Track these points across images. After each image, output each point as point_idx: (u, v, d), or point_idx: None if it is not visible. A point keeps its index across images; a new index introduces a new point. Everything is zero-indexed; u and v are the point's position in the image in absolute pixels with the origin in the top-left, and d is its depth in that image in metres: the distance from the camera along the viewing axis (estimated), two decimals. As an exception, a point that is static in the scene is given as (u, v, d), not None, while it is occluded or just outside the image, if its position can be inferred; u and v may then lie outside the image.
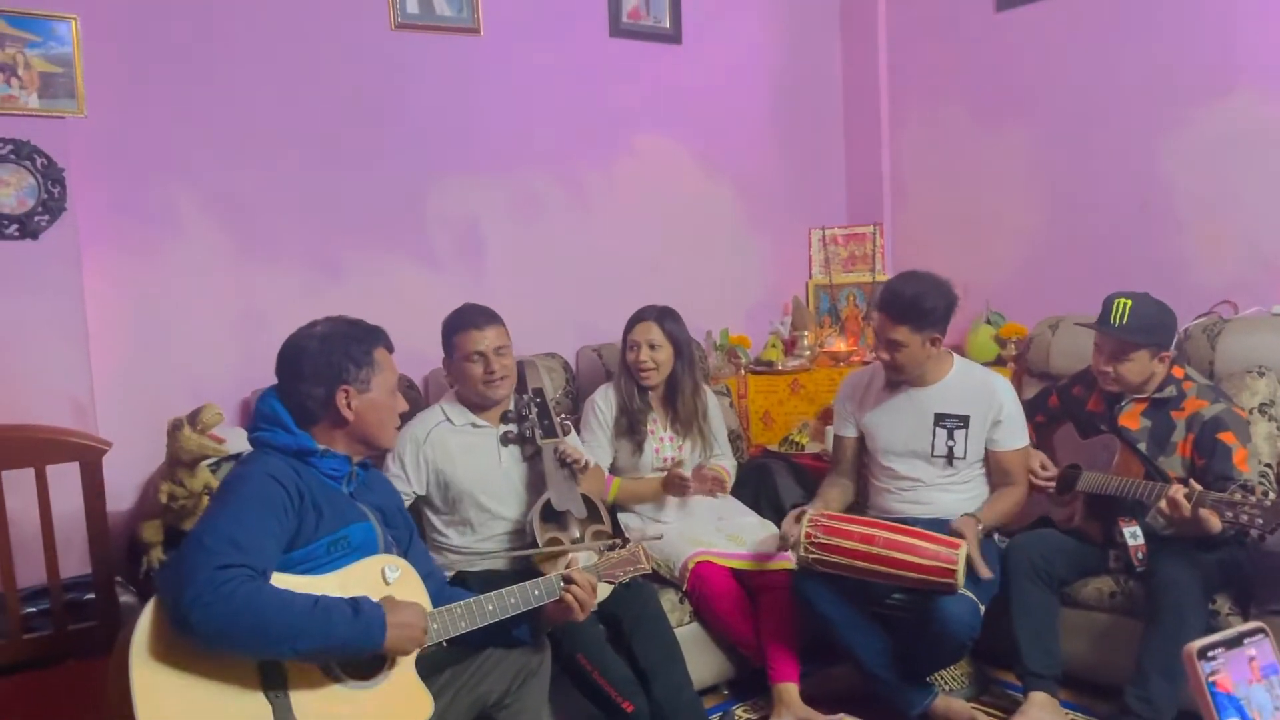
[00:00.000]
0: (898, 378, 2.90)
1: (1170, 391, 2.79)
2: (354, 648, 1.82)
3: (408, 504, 2.75)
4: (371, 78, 3.37)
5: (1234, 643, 1.14)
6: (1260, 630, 1.17)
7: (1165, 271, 3.47)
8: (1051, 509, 2.93)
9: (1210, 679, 1.10)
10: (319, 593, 1.84)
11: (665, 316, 3.15)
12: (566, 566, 2.20)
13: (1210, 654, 1.13)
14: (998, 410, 2.86)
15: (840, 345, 4.18)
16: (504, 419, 2.86)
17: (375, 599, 1.91)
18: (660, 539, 2.96)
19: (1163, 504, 2.51)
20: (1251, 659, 1.13)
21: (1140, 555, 2.65)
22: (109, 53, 2.88)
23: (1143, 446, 2.77)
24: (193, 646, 1.73)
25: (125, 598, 2.54)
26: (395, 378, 2.11)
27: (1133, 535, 2.66)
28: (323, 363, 2.01)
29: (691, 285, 4.09)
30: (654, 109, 4.02)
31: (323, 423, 2.03)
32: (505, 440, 2.83)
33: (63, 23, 2.73)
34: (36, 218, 2.71)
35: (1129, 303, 2.73)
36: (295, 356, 2.03)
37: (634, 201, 3.99)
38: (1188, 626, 2.49)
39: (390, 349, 2.12)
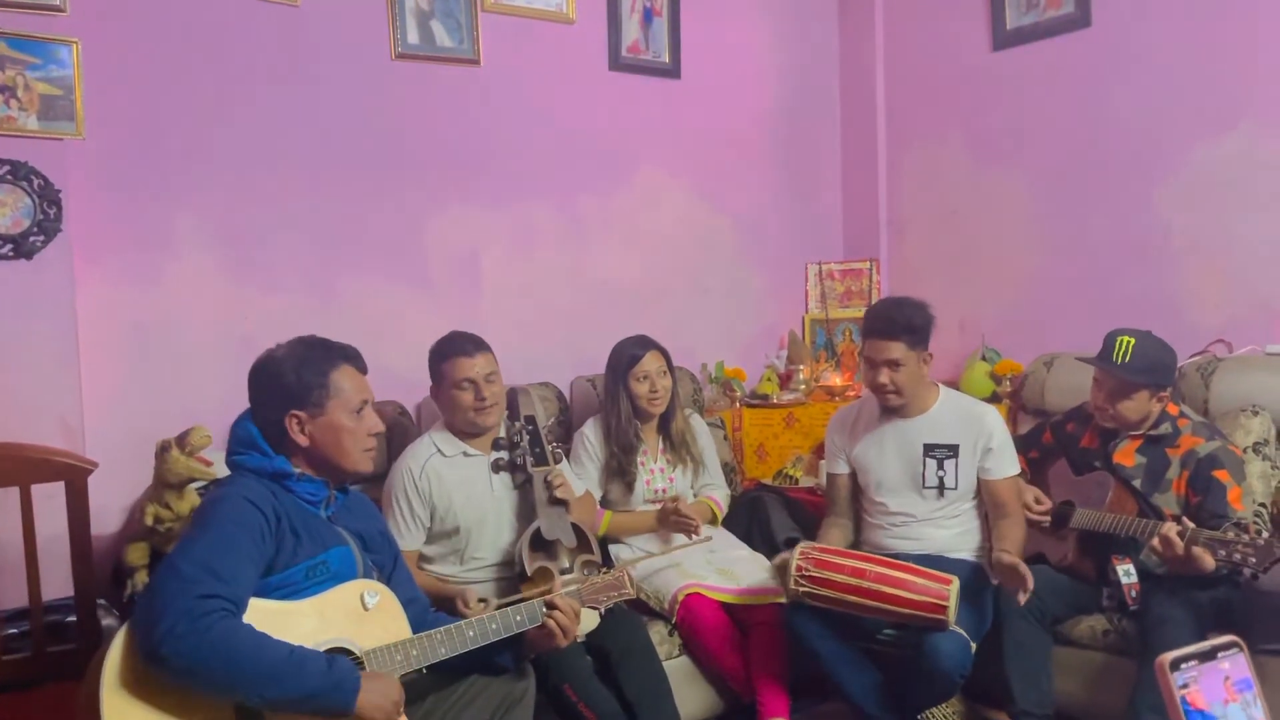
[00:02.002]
0: (896, 402, 2.87)
1: (1165, 429, 2.77)
2: (323, 703, 1.76)
3: (419, 541, 2.75)
4: (371, 107, 3.39)
5: (1208, 656, 1.12)
6: (1235, 644, 1.14)
7: (1160, 310, 3.47)
8: (1045, 546, 2.90)
9: (1182, 692, 1.08)
10: (296, 618, 1.82)
11: (658, 344, 3.16)
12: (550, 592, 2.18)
13: (1183, 666, 1.10)
14: (988, 438, 2.84)
15: (836, 380, 4.17)
16: (495, 446, 2.84)
17: (354, 627, 1.88)
18: (698, 541, 2.93)
19: (1156, 542, 2.49)
20: (1226, 677, 1.11)
21: (1134, 593, 2.62)
22: (109, 77, 2.90)
23: (1137, 483, 2.76)
24: (160, 679, 1.70)
25: (108, 621, 2.52)
26: (359, 398, 2.03)
27: (1126, 573, 2.64)
28: (275, 386, 1.99)
29: (688, 318, 4.10)
30: (652, 142, 4.05)
31: (290, 447, 2.00)
32: (496, 467, 2.82)
33: (64, 46, 2.75)
34: (31, 238, 2.72)
35: (1132, 341, 2.71)
36: (255, 378, 2.03)
37: (631, 233, 4.01)
38: (1181, 666, 2.46)
39: (360, 368, 2.07)
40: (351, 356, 2.07)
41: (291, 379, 1.98)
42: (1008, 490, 2.86)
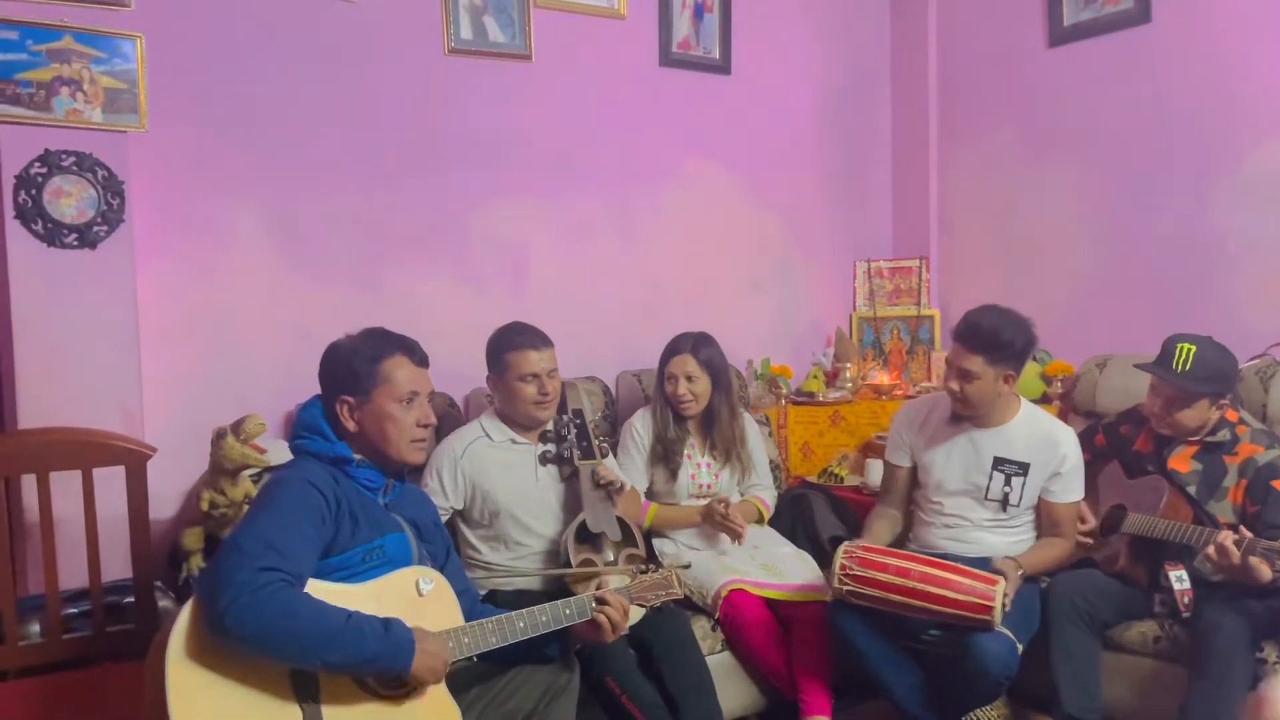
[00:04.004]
0: (964, 412, 2.82)
1: (1223, 435, 2.72)
2: (381, 666, 1.83)
3: (445, 519, 2.76)
4: (425, 101, 3.42)
5: None
6: None
7: (1218, 312, 3.41)
8: (1095, 550, 2.86)
9: None
10: (354, 601, 1.86)
11: (700, 345, 3.13)
12: (598, 587, 2.20)
13: None
14: (1059, 462, 2.78)
15: (883, 378, 4.14)
16: (543, 438, 2.87)
17: (409, 612, 1.92)
18: (688, 567, 2.91)
19: (1211, 550, 2.45)
20: None
21: (1187, 600, 2.58)
22: (172, 71, 2.96)
23: (1193, 490, 2.71)
24: (225, 649, 1.75)
25: (164, 603, 2.57)
26: (408, 389, 2.07)
27: (1179, 579, 2.59)
28: (330, 373, 2.07)
29: (734, 314, 4.10)
30: (702, 138, 4.04)
31: (343, 432, 2.05)
32: (544, 460, 2.84)
33: (128, 41, 2.81)
34: (95, 228, 2.78)
35: (1193, 348, 2.64)
36: (321, 366, 2.11)
37: (679, 229, 4.01)
38: (1234, 675, 2.42)
39: (418, 361, 2.11)
40: (409, 348, 2.11)
41: (344, 365, 2.06)
42: (1066, 514, 2.82)
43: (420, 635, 1.88)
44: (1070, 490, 2.81)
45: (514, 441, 2.84)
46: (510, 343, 2.81)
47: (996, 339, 2.68)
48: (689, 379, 3.10)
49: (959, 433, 2.87)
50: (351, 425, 2.05)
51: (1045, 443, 2.80)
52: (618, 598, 2.16)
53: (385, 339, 2.11)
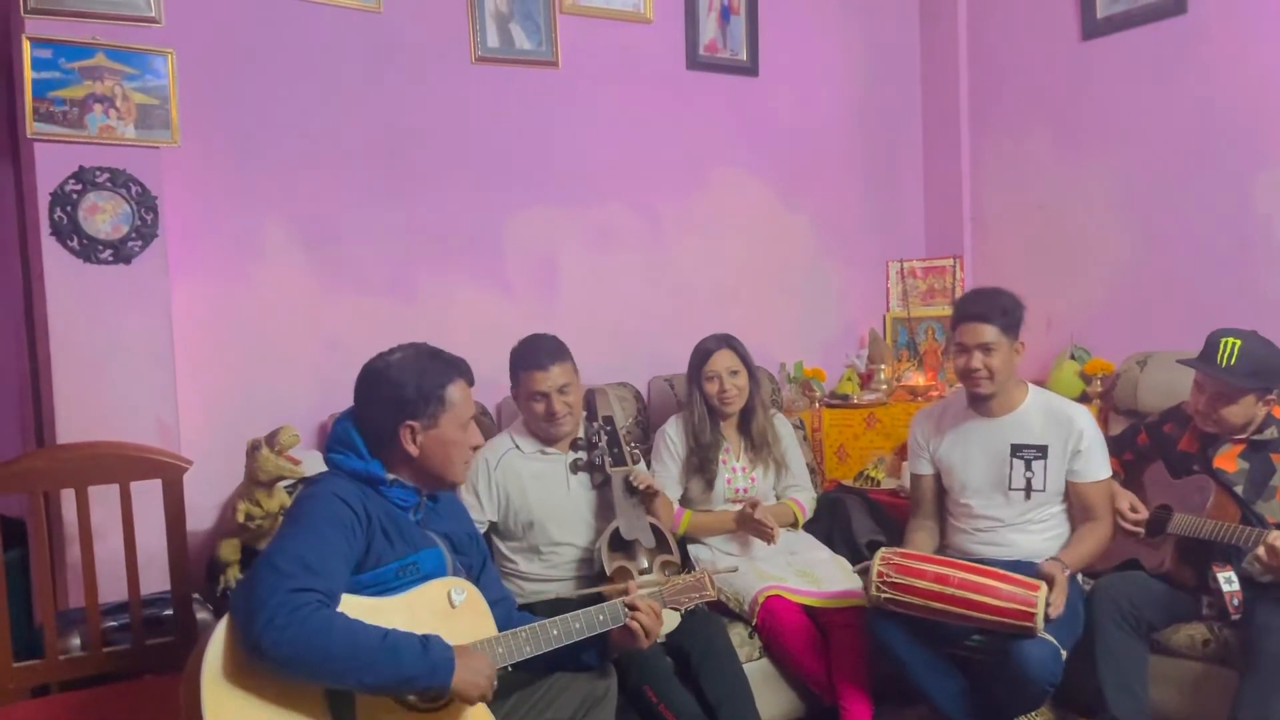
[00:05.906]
0: (989, 389, 2.78)
1: (1271, 433, 2.66)
2: (420, 685, 1.80)
3: (482, 532, 2.75)
4: (452, 110, 3.43)
5: None
6: None
7: (1260, 307, 3.33)
8: (1142, 552, 2.80)
9: None
10: (385, 615, 1.85)
11: (733, 342, 3.13)
12: (628, 593, 2.18)
13: None
14: (1077, 439, 2.75)
15: (918, 379, 4.09)
16: (574, 446, 2.86)
17: (441, 624, 1.90)
18: (735, 571, 2.90)
19: (1260, 550, 2.40)
20: None
21: (1236, 602, 2.52)
22: (203, 86, 2.99)
23: (1240, 490, 2.65)
24: (261, 671, 1.74)
25: (202, 615, 2.58)
26: (469, 413, 2.06)
27: (1228, 581, 2.54)
28: (391, 394, 2.00)
29: (767, 317, 4.07)
30: (731, 141, 4.02)
31: (391, 453, 2.02)
32: (574, 468, 2.83)
33: (159, 57, 2.83)
34: (130, 243, 2.81)
35: (1238, 343, 2.59)
36: (368, 382, 2.04)
37: (709, 233, 3.99)
38: (1287, 678, 2.36)
39: (470, 382, 2.09)
40: (464, 371, 2.08)
41: (411, 390, 1.99)
42: (1097, 494, 2.77)
43: (462, 652, 1.86)
44: (1094, 468, 2.77)
45: (543, 452, 2.83)
46: (521, 360, 2.81)
47: (1004, 308, 2.75)
48: (732, 373, 3.09)
49: (973, 428, 2.86)
50: (414, 450, 2.00)
51: (1059, 421, 2.78)
52: (649, 603, 2.14)
53: (445, 362, 2.06)
